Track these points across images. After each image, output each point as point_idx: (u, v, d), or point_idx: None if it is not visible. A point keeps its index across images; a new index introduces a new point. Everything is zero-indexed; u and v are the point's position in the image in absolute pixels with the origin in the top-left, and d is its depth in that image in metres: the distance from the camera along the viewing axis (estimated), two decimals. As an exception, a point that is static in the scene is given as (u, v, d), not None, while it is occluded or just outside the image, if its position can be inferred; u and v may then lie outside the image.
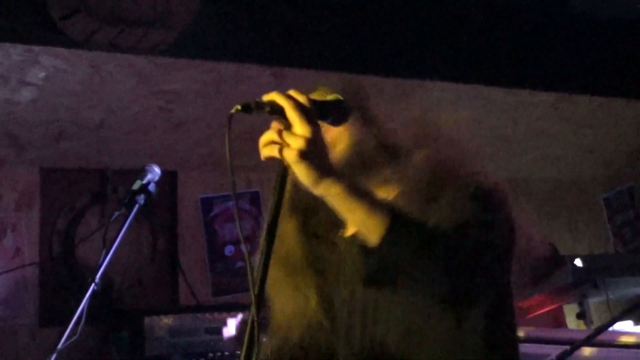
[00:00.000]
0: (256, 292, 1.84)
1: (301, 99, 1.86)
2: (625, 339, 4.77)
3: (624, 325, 5.22)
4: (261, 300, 1.87)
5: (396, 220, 1.82)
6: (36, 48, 4.50)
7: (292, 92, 1.88)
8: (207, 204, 6.13)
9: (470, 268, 1.88)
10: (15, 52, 4.48)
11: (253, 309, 1.82)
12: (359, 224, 1.86)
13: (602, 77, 6.09)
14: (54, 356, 3.26)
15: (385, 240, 1.82)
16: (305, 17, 5.07)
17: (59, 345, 3.28)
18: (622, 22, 6.13)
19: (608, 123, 6.65)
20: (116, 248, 3.47)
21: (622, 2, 5.79)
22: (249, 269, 1.87)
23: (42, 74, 4.69)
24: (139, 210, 3.58)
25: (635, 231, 7.17)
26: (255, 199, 6.23)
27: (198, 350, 5.33)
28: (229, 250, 6.18)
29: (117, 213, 3.61)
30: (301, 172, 1.83)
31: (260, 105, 1.84)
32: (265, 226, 1.91)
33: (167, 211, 6.01)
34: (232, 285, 6.13)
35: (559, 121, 6.32)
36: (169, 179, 5.89)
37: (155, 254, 5.93)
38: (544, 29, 5.57)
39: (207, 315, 5.44)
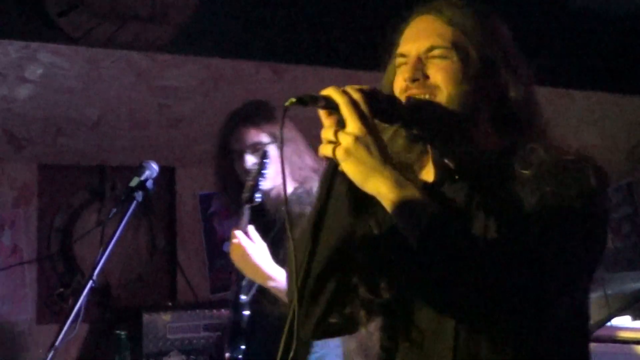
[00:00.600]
0: (299, 284, 1.83)
1: (356, 95, 1.84)
2: (623, 334, 4.78)
3: (622, 321, 5.22)
4: (303, 296, 1.86)
5: (429, 230, 1.80)
6: (34, 44, 4.49)
7: (349, 88, 1.87)
8: (205, 200, 6.12)
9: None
10: (12, 48, 4.48)
11: (295, 303, 1.81)
12: (400, 226, 1.85)
13: (600, 72, 6.09)
14: (51, 353, 3.25)
15: (419, 248, 1.82)
16: (304, 14, 5.06)
17: (57, 342, 3.27)
18: (621, 17, 6.13)
19: (606, 119, 6.65)
20: (114, 245, 3.45)
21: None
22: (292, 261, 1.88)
23: (39, 71, 4.68)
24: (137, 207, 3.57)
25: (634, 226, 7.17)
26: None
27: (197, 347, 5.33)
28: (227, 247, 6.16)
29: (115, 210, 3.60)
30: (348, 170, 1.83)
31: (316, 99, 1.84)
32: (310, 224, 1.90)
33: (166, 208, 6.00)
34: (231, 283, 6.12)
35: (556, 117, 6.32)
36: (167, 175, 5.88)
37: (154, 250, 5.92)
38: (542, 24, 5.56)
39: (206, 312, 5.44)
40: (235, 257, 3.53)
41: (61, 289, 5.51)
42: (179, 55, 4.84)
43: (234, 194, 3.81)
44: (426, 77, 1.94)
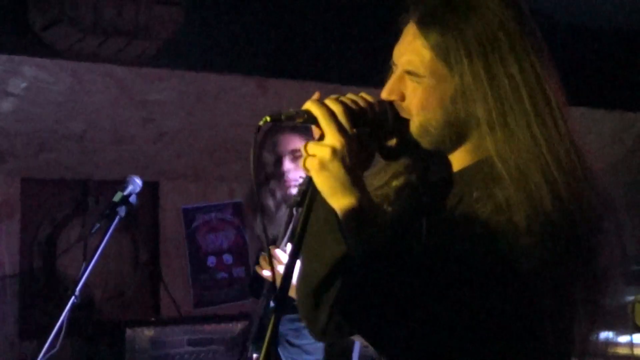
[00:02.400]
0: (278, 299, 1.83)
1: (334, 107, 1.83)
2: (611, 349, 4.77)
3: (604, 336, 5.23)
4: (282, 310, 1.85)
5: (365, 265, 1.79)
6: (17, 58, 4.48)
7: (328, 99, 1.85)
8: (189, 214, 6.11)
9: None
10: (-4, 62, 4.47)
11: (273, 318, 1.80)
12: (350, 245, 1.83)
13: (583, 87, 6.12)
14: (34, 369, 3.24)
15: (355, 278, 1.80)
16: (288, 29, 5.07)
17: (39, 358, 3.26)
18: (604, 32, 6.16)
19: (589, 134, 6.68)
20: (97, 259, 3.45)
21: (604, 13, 5.82)
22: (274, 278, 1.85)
23: (23, 84, 4.67)
24: (120, 221, 3.56)
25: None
26: (237, 209, 6.22)
27: (180, 362, 5.31)
28: (211, 261, 6.16)
29: (98, 224, 3.60)
30: (319, 183, 1.82)
31: (292, 116, 1.82)
32: (292, 244, 1.89)
33: (149, 222, 5.99)
34: (214, 297, 6.11)
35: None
36: (151, 189, 5.87)
37: (137, 265, 5.91)
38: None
39: (189, 326, 5.42)
40: (269, 272, 3.51)
41: (43, 304, 5.48)
42: (163, 70, 4.84)
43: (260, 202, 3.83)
44: (402, 98, 1.92)
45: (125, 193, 3.61)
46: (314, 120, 1.82)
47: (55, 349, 3.32)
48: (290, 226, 3.48)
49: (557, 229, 1.73)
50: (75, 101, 4.92)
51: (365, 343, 3.54)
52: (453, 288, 1.73)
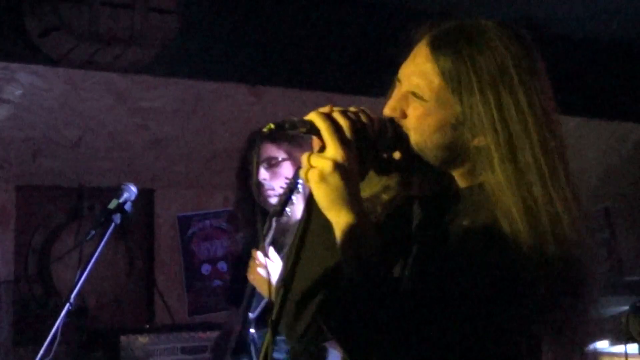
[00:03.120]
0: (273, 317, 1.82)
1: (342, 121, 1.82)
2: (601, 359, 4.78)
3: (600, 345, 5.24)
4: (277, 328, 1.85)
5: (362, 282, 1.78)
6: (13, 65, 4.48)
7: (335, 112, 1.85)
8: (184, 222, 6.11)
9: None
10: (-9, 69, 4.47)
11: (269, 336, 1.80)
12: (343, 260, 1.84)
13: (579, 98, 6.13)
14: (28, 376, 3.24)
15: (344, 296, 1.81)
16: (283, 37, 5.07)
17: (33, 365, 3.26)
18: (598, 43, 6.18)
19: (585, 143, 6.69)
20: (92, 267, 3.44)
21: (598, 24, 5.83)
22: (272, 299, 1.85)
23: (18, 91, 4.67)
24: (115, 229, 3.56)
25: (611, 251, 7.20)
26: (232, 217, 6.22)
27: (174, 369, 5.31)
28: (205, 269, 6.16)
29: (93, 232, 3.59)
30: (317, 194, 1.81)
31: (295, 125, 1.82)
32: (290, 256, 1.88)
33: (144, 229, 5.99)
34: (209, 305, 6.11)
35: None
36: (146, 197, 5.87)
37: (132, 272, 5.90)
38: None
39: (184, 334, 5.42)
40: (254, 276, 3.51)
41: (38, 311, 5.48)
42: (158, 77, 4.84)
43: (245, 209, 3.82)
44: (404, 116, 1.93)
45: (121, 200, 3.60)
46: (316, 131, 1.82)
47: (49, 356, 3.31)
48: (270, 234, 3.47)
49: (555, 270, 1.76)
50: (71, 108, 4.92)
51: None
52: (439, 310, 1.75)
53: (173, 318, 5.90)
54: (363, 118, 1.88)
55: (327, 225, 1.85)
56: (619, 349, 5.09)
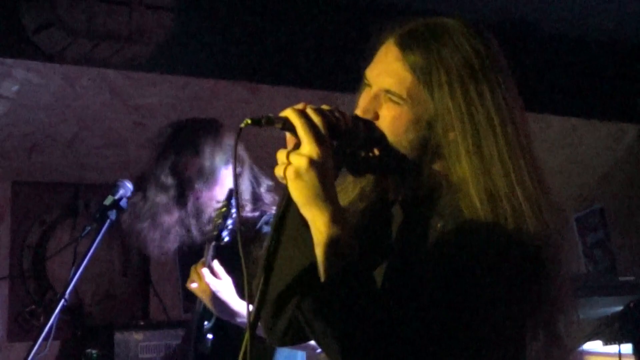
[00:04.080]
0: (252, 319, 1.82)
1: (316, 118, 1.83)
2: (594, 359, 4.80)
3: (594, 345, 5.24)
4: (255, 328, 1.85)
5: (338, 281, 1.78)
6: (9, 61, 4.48)
7: (309, 109, 1.85)
8: (179, 219, 6.10)
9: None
10: (-13, 64, 4.47)
11: (247, 335, 1.80)
12: (319, 260, 1.84)
13: (574, 97, 6.14)
14: (22, 372, 3.24)
15: (319, 293, 1.81)
16: (280, 34, 5.08)
17: (28, 360, 3.26)
18: (594, 43, 6.18)
19: (580, 143, 6.69)
20: (87, 263, 3.45)
21: (593, 24, 5.84)
22: (247, 297, 1.85)
23: (14, 87, 4.67)
24: (110, 225, 3.56)
25: (605, 251, 7.20)
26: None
27: (168, 366, 5.31)
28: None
29: (88, 228, 3.60)
30: (293, 191, 1.81)
31: (272, 121, 1.83)
32: (264, 256, 1.88)
33: (139, 226, 5.99)
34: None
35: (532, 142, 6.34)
36: (141, 194, 5.87)
37: (127, 269, 5.90)
38: (516, 50, 5.60)
39: (178, 331, 5.41)
40: (200, 293, 3.46)
41: (33, 306, 5.48)
42: (155, 74, 4.83)
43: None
44: (376, 117, 1.94)
45: (116, 197, 3.61)
46: (291, 127, 1.83)
47: (44, 352, 3.32)
48: (209, 259, 3.43)
49: (515, 259, 1.78)
50: (67, 105, 4.92)
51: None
52: (416, 312, 1.76)
53: (168, 315, 5.90)
54: (336, 114, 1.89)
55: (303, 223, 1.85)
56: (613, 349, 5.10)
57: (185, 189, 3.63)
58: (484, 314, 1.77)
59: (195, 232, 3.64)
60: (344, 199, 2.03)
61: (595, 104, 6.30)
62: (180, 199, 3.64)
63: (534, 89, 5.72)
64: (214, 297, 3.38)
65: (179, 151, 3.64)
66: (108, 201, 3.60)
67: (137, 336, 5.28)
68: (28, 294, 5.53)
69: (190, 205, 3.63)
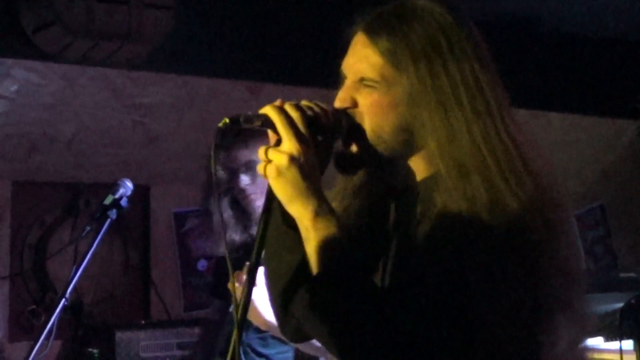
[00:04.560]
0: (239, 316, 1.81)
1: (293, 113, 1.83)
2: (595, 356, 4.79)
3: (595, 342, 5.24)
4: (243, 325, 1.84)
5: (328, 275, 1.77)
6: (8, 60, 4.48)
7: (287, 105, 1.85)
8: (180, 218, 6.11)
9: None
10: (-13, 64, 4.47)
11: (236, 333, 1.80)
12: (309, 257, 1.83)
13: (574, 94, 6.14)
14: (23, 371, 3.24)
15: (312, 289, 1.80)
16: (279, 33, 5.08)
17: (29, 360, 3.26)
18: (593, 40, 6.18)
19: (580, 140, 6.69)
20: (87, 262, 3.44)
21: (592, 21, 5.84)
22: (234, 297, 1.84)
23: (14, 87, 4.67)
24: (110, 224, 3.56)
25: (606, 248, 7.20)
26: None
27: (170, 365, 5.31)
28: (201, 265, 6.16)
29: (88, 227, 3.59)
30: (276, 189, 1.80)
31: (251, 119, 1.82)
32: (253, 254, 1.87)
33: (140, 225, 5.99)
34: (205, 301, 6.11)
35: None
36: (141, 193, 5.87)
37: (127, 268, 5.90)
38: (515, 47, 5.60)
39: (179, 330, 5.41)
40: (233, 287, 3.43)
41: (34, 306, 5.48)
42: (154, 73, 4.84)
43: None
44: (355, 105, 1.94)
45: (116, 196, 3.60)
46: (271, 124, 1.82)
47: (45, 352, 3.31)
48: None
49: (493, 234, 1.74)
50: (66, 104, 4.92)
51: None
52: (413, 306, 1.72)
53: (169, 314, 5.90)
54: (316, 109, 1.88)
55: (288, 220, 1.85)
56: (614, 345, 5.10)
57: (232, 181, 3.64)
58: (484, 299, 1.71)
59: (237, 229, 3.65)
60: (339, 200, 2.04)
61: (595, 101, 6.30)
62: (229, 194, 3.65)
63: (534, 86, 5.72)
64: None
65: (230, 145, 3.66)
66: (108, 200, 3.59)
67: (138, 335, 5.27)
68: (29, 293, 5.53)
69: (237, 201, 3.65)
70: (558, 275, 1.80)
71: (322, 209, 1.80)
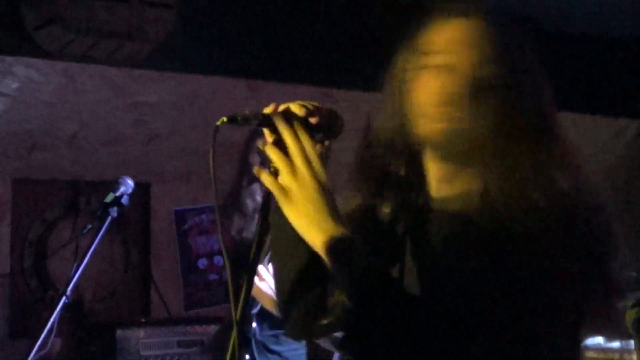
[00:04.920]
0: (237, 317, 1.80)
1: (298, 110, 1.82)
2: (595, 355, 4.80)
3: (596, 341, 5.25)
4: (243, 324, 1.84)
5: (362, 291, 1.72)
6: (9, 58, 4.48)
7: (291, 105, 1.84)
8: (180, 216, 6.11)
9: None
10: (-12, 62, 4.47)
11: (235, 331, 1.79)
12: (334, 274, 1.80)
13: (574, 93, 6.13)
14: (24, 368, 3.24)
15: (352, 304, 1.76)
16: (280, 31, 5.07)
17: (29, 358, 3.26)
18: (595, 38, 6.18)
19: (581, 140, 6.69)
20: (88, 260, 3.45)
21: (592, 19, 5.83)
22: (232, 295, 1.83)
23: (15, 85, 4.67)
24: (111, 222, 3.56)
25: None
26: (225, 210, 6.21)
27: (170, 363, 5.31)
28: (202, 263, 6.16)
29: (89, 225, 3.60)
30: (286, 213, 1.78)
31: (247, 119, 1.82)
32: (251, 253, 1.86)
33: (140, 223, 5.99)
34: (205, 299, 6.11)
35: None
36: (142, 191, 5.87)
37: (128, 266, 5.91)
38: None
39: (180, 328, 5.41)
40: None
41: (34, 304, 5.48)
42: (155, 71, 4.83)
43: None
44: None
45: (117, 194, 3.61)
46: (268, 123, 1.82)
47: (45, 349, 3.32)
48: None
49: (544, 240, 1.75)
50: (67, 102, 4.92)
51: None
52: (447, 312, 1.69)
53: (169, 312, 5.90)
54: (310, 107, 1.86)
55: (284, 225, 1.82)
56: (615, 344, 5.11)
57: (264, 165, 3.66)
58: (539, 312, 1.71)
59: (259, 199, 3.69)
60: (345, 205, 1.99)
61: (596, 99, 6.29)
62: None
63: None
64: (259, 293, 3.44)
65: (253, 137, 3.71)
66: (109, 198, 3.59)
67: (139, 333, 5.27)
68: (29, 291, 5.53)
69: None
70: (600, 287, 1.86)
71: (336, 233, 1.74)
